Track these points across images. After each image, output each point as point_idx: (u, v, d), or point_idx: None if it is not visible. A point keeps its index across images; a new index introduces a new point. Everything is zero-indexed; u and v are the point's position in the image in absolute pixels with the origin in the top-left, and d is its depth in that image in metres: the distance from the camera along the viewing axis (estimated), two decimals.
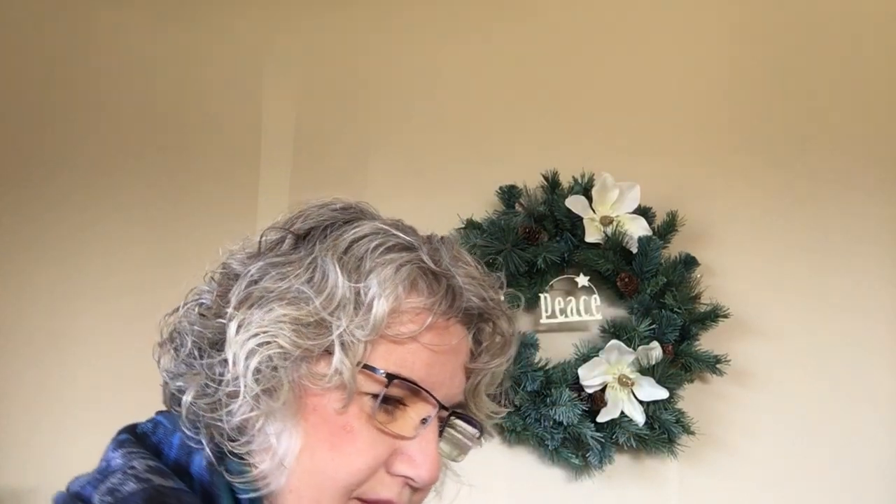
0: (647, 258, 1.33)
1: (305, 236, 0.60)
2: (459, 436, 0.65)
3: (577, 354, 1.34)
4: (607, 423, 1.29)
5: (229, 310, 0.55)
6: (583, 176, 1.40)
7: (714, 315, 1.34)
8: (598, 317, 1.35)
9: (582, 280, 1.36)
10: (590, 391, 1.30)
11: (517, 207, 1.42)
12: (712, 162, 1.47)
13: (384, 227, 0.59)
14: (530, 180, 1.42)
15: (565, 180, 1.41)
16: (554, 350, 1.37)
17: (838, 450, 1.34)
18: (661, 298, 1.33)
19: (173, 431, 0.56)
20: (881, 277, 1.40)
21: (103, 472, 0.52)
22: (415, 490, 0.58)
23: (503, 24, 1.54)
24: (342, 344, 0.54)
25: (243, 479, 0.54)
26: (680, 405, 1.32)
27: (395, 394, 0.56)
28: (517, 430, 1.31)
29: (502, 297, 0.64)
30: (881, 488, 1.33)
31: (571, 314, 1.36)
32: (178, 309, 0.60)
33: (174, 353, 0.58)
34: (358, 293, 0.55)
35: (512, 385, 1.31)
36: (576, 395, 1.29)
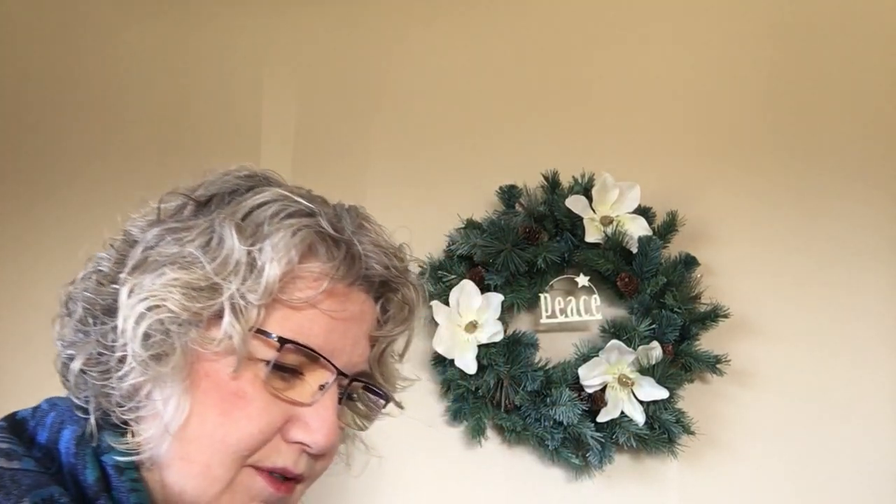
0: (647, 258, 1.33)
1: (207, 203, 0.59)
2: (363, 405, 0.65)
3: (577, 354, 1.34)
4: (607, 422, 1.29)
5: (123, 275, 0.55)
6: (583, 176, 1.40)
7: (714, 315, 1.34)
8: (598, 317, 1.35)
9: (582, 280, 1.36)
10: (590, 391, 1.30)
11: (517, 207, 1.42)
12: (712, 162, 1.47)
13: (286, 193, 0.59)
14: (530, 180, 1.43)
15: (565, 180, 1.41)
16: (554, 350, 1.37)
17: (838, 449, 1.34)
18: (661, 298, 1.33)
19: (48, 412, 0.56)
20: (882, 277, 1.40)
21: None
22: (316, 458, 0.58)
23: (503, 23, 1.54)
24: (233, 307, 0.53)
25: (123, 444, 0.53)
26: (680, 405, 1.32)
27: (291, 360, 0.55)
28: (517, 430, 1.31)
29: (409, 267, 0.65)
30: (881, 488, 1.33)
31: (571, 314, 1.36)
32: (75, 279, 0.59)
33: (69, 319, 0.57)
34: (252, 257, 0.54)
35: (512, 385, 1.31)
36: (576, 394, 1.29)
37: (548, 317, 1.36)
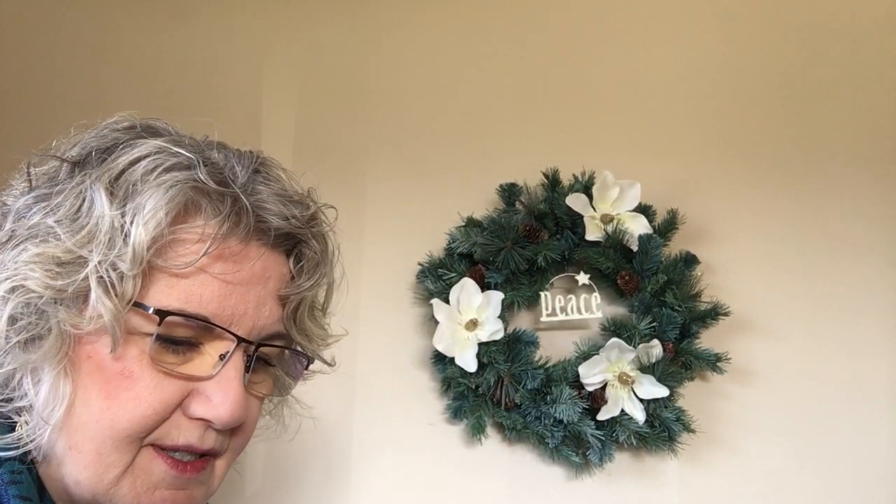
0: (647, 256, 1.33)
1: (81, 162, 0.53)
2: (284, 366, 0.60)
3: (577, 352, 1.34)
4: (607, 421, 1.29)
5: None
6: (583, 174, 1.40)
7: (715, 313, 1.34)
8: (599, 315, 1.35)
9: (582, 278, 1.36)
10: (590, 389, 1.30)
11: (517, 205, 1.42)
12: (713, 160, 1.47)
13: (165, 144, 0.53)
14: (531, 178, 1.43)
15: (566, 178, 1.41)
16: (554, 348, 1.37)
17: (838, 449, 1.34)
18: (661, 296, 1.33)
19: None
20: (882, 276, 1.40)
21: None
22: (231, 432, 0.55)
23: (503, 23, 1.54)
24: (99, 280, 0.48)
25: (4, 440, 0.49)
26: (680, 403, 1.32)
27: (182, 333, 0.51)
28: (517, 429, 1.31)
29: (317, 213, 0.59)
30: (882, 487, 1.33)
31: (572, 312, 1.36)
32: None
33: None
34: (121, 222, 0.49)
35: (512, 383, 1.31)
36: (576, 393, 1.29)
37: (548, 315, 1.36)
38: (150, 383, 0.50)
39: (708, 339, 1.35)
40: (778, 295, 1.40)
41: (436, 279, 1.37)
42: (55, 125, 1.65)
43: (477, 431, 1.32)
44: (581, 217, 1.36)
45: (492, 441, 1.36)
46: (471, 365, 1.31)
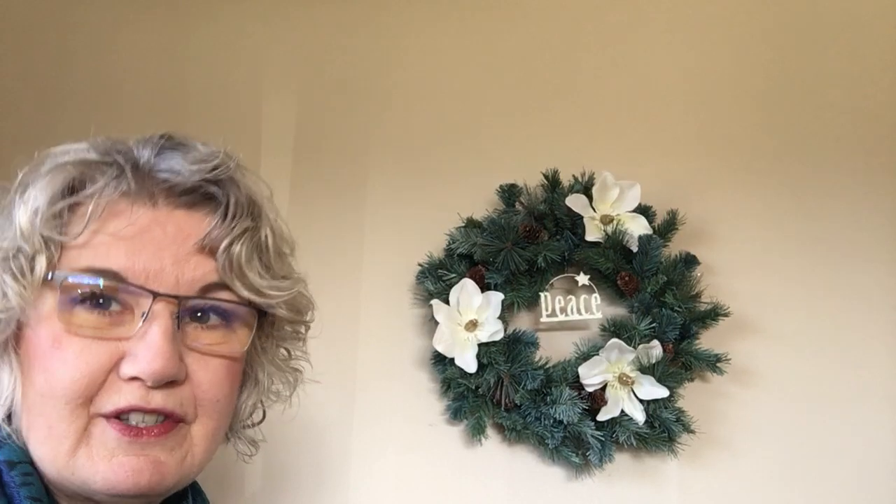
0: (647, 257, 1.33)
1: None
2: (232, 319, 0.58)
3: (577, 353, 1.34)
4: (607, 421, 1.29)
5: None
6: (583, 174, 1.40)
7: (714, 314, 1.34)
8: (599, 315, 1.36)
9: (582, 279, 1.36)
10: (590, 390, 1.30)
11: (517, 206, 1.42)
12: (713, 161, 1.47)
13: (72, 145, 0.57)
14: (530, 179, 1.43)
15: (566, 179, 1.41)
16: (554, 349, 1.37)
17: (838, 449, 1.34)
18: (661, 297, 1.33)
19: None
20: (882, 276, 1.40)
21: None
22: (196, 395, 0.55)
23: (503, 23, 1.54)
24: (14, 268, 0.52)
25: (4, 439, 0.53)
26: (680, 404, 1.32)
27: (96, 289, 0.52)
28: (517, 429, 1.31)
29: (218, 164, 0.59)
30: (881, 488, 1.33)
31: (572, 313, 1.36)
32: None
33: None
34: (8, 209, 0.54)
35: (512, 383, 1.31)
36: (576, 393, 1.29)
37: (548, 315, 1.36)
38: (76, 348, 0.52)
39: (708, 340, 1.35)
40: (778, 295, 1.40)
41: (436, 280, 1.37)
42: (55, 125, 1.67)
43: (477, 432, 1.32)
44: (581, 218, 1.36)
45: (492, 442, 1.36)
46: (471, 365, 1.31)
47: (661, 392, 1.27)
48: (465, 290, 1.34)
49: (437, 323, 1.33)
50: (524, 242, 1.35)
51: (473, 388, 1.32)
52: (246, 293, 0.57)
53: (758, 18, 1.52)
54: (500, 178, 1.42)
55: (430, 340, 1.34)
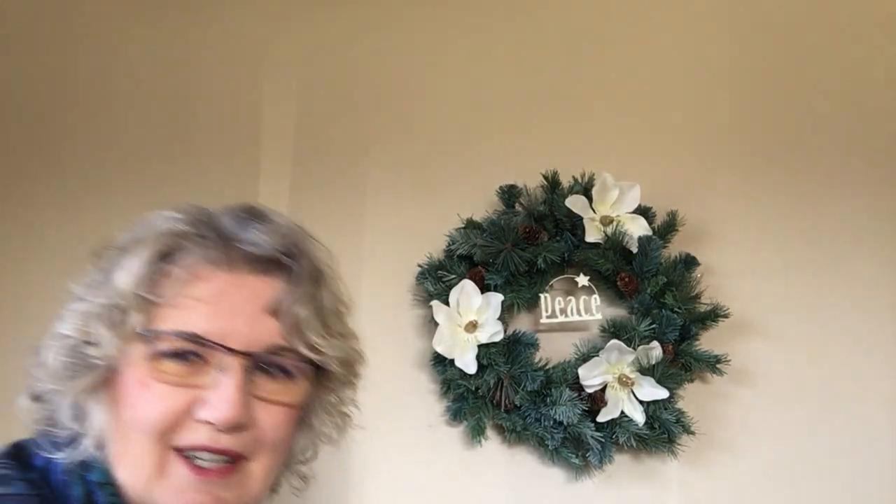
0: (647, 258, 1.33)
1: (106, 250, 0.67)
2: (284, 376, 0.66)
3: (577, 354, 1.34)
4: (607, 422, 1.29)
5: None
6: (583, 176, 1.40)
7: (714, 315, 1.34)
8: (598, 316, 1.35)
9: (582, 280, 1.36)
10: (590, 391, 1.30)
11: (517, 207, 1.42)
12: (712, 162, 1.47)
13: (166, 212, 0.67)
14: (530, 180, 1.42)
15: (565, 180, 1.41)
16: (554, 350, 1.37)
17: (838, 449, 1.34)
18: (661, 298, 1.33)
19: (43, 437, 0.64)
20: (882, 276, 1.40)
21: None
22: (257, 437, 0.63)
23: (503, 23, 1.54)
24: (99, 317, 0.61)
25: (95, 462, 0.61)
26: (680, 405, 1.32)
27: (181, 348, 0.61)
28: (517, 430, 1.31)
29: (296, 240, 0.68)
30: (881, 488, 1.33)
31: (571, 314, 1.36)
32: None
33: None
34: (114, 272, 0.63)
35: (512, 384, 1.31)
36: (576, 394, 1.29)
37: (548, 317, 1.36)
38: (161, 391, 0.60)
39: (707, 341, 1.35)
40: (777, 296, 1.40)
41: (435, 281, 1.37)
42: (55, 125, 1.66)
43: (477, 433, 1.32)
44: (581, 219, 1.36)
45: (492, 443, 1.35)
46: (470, 367, 1.31)
47: (661, 393, 1.27)
48: (465, 292, 1.34)
49: (436, 324, 1.33)
50: (524, 243, 1.35)
51: (473, 389, 1.32)
52: (306, 352, 0.65)
53: (758, 20, 1.52)
54: (500, 179, 1.42)
55: (429, 341, 1.34)
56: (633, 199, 1.38)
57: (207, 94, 1.53)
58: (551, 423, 1.29)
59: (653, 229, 1.37)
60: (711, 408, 1.36)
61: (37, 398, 0.65)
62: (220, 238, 0.64)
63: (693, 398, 1.34)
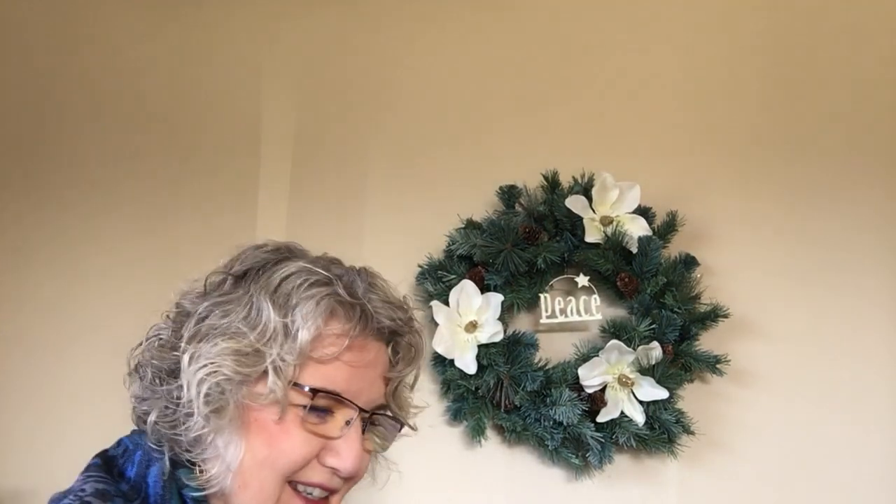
0: (647, 258, 1.33)
1: (243, 277, 0.71)
2: (384, 430, 0.77)
3: (577, 354, 1.34)
4: (607, 422, 1.29)
5: (182, 344, 0.67)
6: (583, 176, 1.40)
7: (714, 315, 1.34)
8: (598, 317, 1.36)
9: (582, 280, 1.36)
10: (590, 391, 1.30)
11: (517, 207, 1.42)
12: (712, 162, 1.47)
13: (307, 265, 0.71)
14: (530, 180, 1.43)
15: (565, 180, 1.41)
16: (554, 350, 1.37)
17: (838, 450, 1.34)
18: (661, 298, 1.33)
19: (135, 451, 0.68)
20: (882, 276, 1.40)
21: (66, 493, 0.62)
22: (345, 479, 0.72)
23: (503, 23, 1.54)
24: (275, 369, 0.65)
25: (195, 481, 0.66)
26: (680, 405, 1.32)
27: (322, 403, 0.68)
28: (517, 430, 1.31)
29: (412, 315, 0.76)
30: (881, 488, 1.34)
31: (571, 314, 1.36)
32: (141, 344, 0.71)
33: (140, 381, 0.70)
34: (286, 325, 0.67)
35: (512, 385, 1.31)
36: (576, 395, 1.29)
37: (548, 317, 1.36)
38: (301, 438, 0.67)
39: (707, 341, 1.35)
40: (777, 297, 1.40)
41: (435, 281, 1.37)
42: (55, 126, 1.66)
43: (477, 433, 1.32)
44: (581, 219, 1.36)
45: (492, 443, 1.36)
46: (470, 367, 1.31)
47: (661, 393, 1.28)
48: (465, 292, 1.34)
49: (436, 324, 1.33)
50: (524, 244, 1.35)
51: (473, 389, 1.32)
52: (396, 413, 0.76)
53: (757, 20, 1.52)
54: (500, 180, 1.42)
55: (429, 342, 1.34)
56: (633, 199, 1.38)
57: (207, 94, 1.53)
58: (551, 423, 1.29)
59: (653, 229, 1.37)
60: (711, 408, 1.36)
61: (165, 418, 0.67)
62: (363, 310, 0.70)
63: (693, 398, 1.34)
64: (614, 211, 1.38)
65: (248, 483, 0.66)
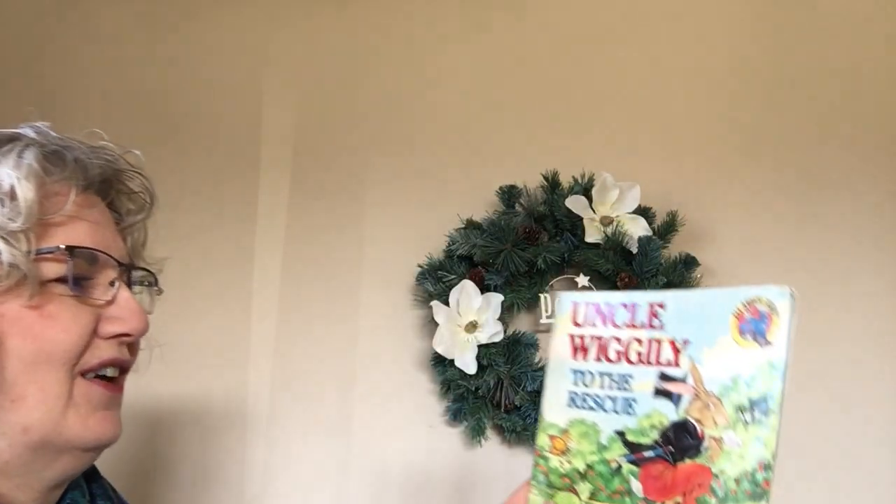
0: (647, 258, 1.33)
1: None
2: (144, 288, 0.69)
3: None
4: None
5: None
6: (583, 176, 1.40)
7: None
8: None
9: (582, 280, 1.36)
10: None
11: (517, 207, 1.42)
12: (713, 162, 1.47)
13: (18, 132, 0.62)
14: (530, 180, 1.42)
15: (565, 180, 1.41)
16: None
17: (838, 450, 1.34)
18: None
19: None
20: (882, 276, 1.40)
21: None
22: (132, 346, 0.63)
23: (503, 24, 1.54)
24: (2, 238, 0.54)
25: None
26: None
27: (78, 269, 0.58)
28: (517, 430, 1.31)
29: (122, 157, 0.68)
30: (881, 489, 1.34)
31: None
32: None
33: None
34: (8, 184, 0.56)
35: (512, 385, 1.31)
36: None
37: (548, 317, 1.36)
38: (70, 316, 0.57)
39: None
40: None
41: (435, 281, 1.37)
42: (55, 126, 1.64)
43: (477, 433, 1.32)
44: (581, 219, 1.36)
45: (492, 443, 1.35)
46: (470, 367, 1.31)
47: None
48: (465, 292, 1.34)
49: (436, 324, 1.33)
50: (524, 244, 1.35)
51: (473, 389, 1.32)
52: (146, 267, 0.69)
53: (757, 20, 1.52)
54: (500, 180, 1.42)
55: (429, 342, 1.34)
56: (633, 199, 1.38)
57: (207, 94, 1.53)
58: None
59: (653, 230, 1.37)
60: None
61: None
62: (75, 158, 0.62)
63: None
64: (614, 211, 1.38)
65: (24, 392, 0.54)
